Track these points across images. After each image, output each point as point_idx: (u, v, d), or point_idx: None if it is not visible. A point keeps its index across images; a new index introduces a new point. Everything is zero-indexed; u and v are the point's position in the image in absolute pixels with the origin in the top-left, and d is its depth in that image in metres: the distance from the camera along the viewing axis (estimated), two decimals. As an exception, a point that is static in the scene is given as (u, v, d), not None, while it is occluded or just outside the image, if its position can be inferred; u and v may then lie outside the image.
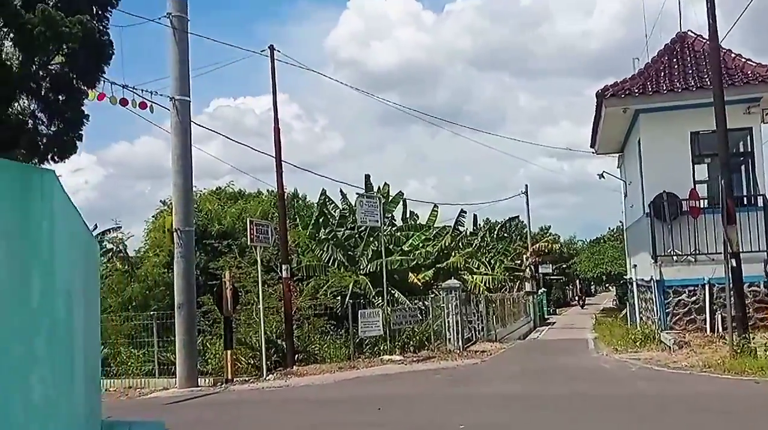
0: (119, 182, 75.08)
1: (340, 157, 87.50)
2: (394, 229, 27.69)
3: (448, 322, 18.98)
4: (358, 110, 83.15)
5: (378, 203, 19.76)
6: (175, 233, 17.63)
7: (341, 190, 28.93)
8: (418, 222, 29.42)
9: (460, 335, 19.11)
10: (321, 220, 27.58)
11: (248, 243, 18.47)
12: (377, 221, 19.59)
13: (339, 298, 22.95)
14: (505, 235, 45.20)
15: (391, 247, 25.62)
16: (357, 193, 19.33)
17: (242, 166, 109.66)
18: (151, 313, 20.58)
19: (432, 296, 21.17)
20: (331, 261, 25.74)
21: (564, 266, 58.34)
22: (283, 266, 18.72)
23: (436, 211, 30.83)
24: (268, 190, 29.06)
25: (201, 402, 14.33)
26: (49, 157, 13.23)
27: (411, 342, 19.13)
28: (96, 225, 30.12)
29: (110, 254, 31.92)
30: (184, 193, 17.76)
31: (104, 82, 15.08)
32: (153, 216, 31.55)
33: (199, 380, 17.53)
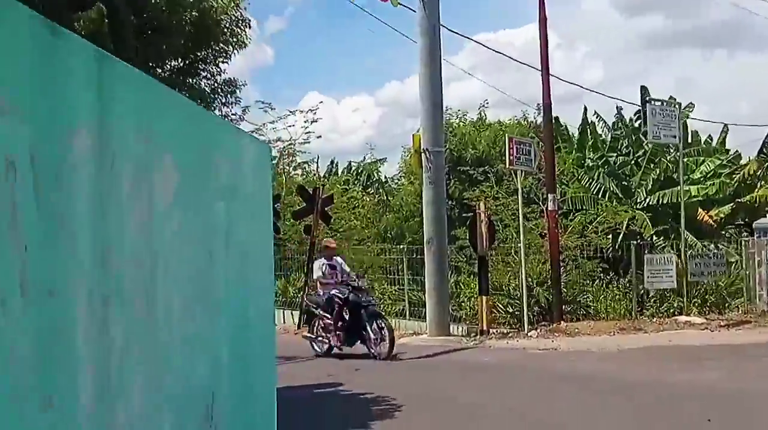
0: (391, 119, 76.19)
1: (601, 87, 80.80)
2: (678, 153, 23.04)
3: (760, 274, 14.71)
4: (620, 36, 75.54)
5: (676, 112, 15.23)
6: (423, 155, 15.11)
7: (617, 107, 24.77)
8: (711, 144, 24.44)
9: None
10: (589, 143, 23.77)
11: (506, 166, 15.34)
12: (674, 136, 15.22)
13: (610, 237, 19.35)
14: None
15: (674, 176, 21.36)
16: (648, 99, 15.14)
17: (503, 101, 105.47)
18: (402, 247, 18.36)
19: (737, 238, 16.86)
20: (601, 192, 22.04)
21: None
22: (550, 196, 15.24)
23: (725, 134, 25.14)
24: (527, 121, 25.56)
25: (451, 360, 11.86)
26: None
27: (710, 299, 15.10)
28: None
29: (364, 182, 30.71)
30: (432, 107, 15.22)
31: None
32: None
33: (451, 326, 15.13)
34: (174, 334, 3.04)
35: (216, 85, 13.51)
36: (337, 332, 12.29)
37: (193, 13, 11.79)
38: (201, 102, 11.26)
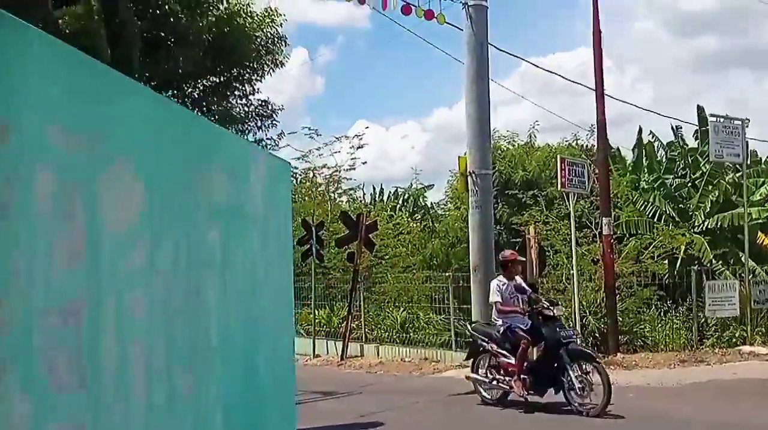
0: (439, 146, 76.23)
1: (647, 114, 78.95)
2: (738, 174, 21.72)
3: None
4: (671, 58, 73.77)
5: (740, 129, 14.14)
6: (469, 177, 14.33)
7: (673, 127, 23.57)
8: None
9: None
10: (644, 165, 22.63)
11: (557, 189, 14.42)
12: (738, 155, 14.13)
13: (667, 262, 18.19)
14: None
15: (733, 198, 20.12)
16: (710, 115, 14.05)
17: (552, 124, 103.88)
18: (447, 274, 17.50)
19: None
20: (656, 215, 20.89)
21: None
22: (604, 220, 14.18)
23: None
24: (578, 143, 24.62)
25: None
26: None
27: None
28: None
29: (411, 209, 29.98)
30: (479, 126, 14.45)
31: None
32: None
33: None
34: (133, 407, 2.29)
35: (250, 107, 12.74)
36: (522, 376, 9.77)
37: (218, 23, 10.99)
38: (231, 125, 10.56)
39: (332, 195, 24.31)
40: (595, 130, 15.15)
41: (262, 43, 12.23)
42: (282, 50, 12.61)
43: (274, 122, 12.49)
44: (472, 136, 14.61)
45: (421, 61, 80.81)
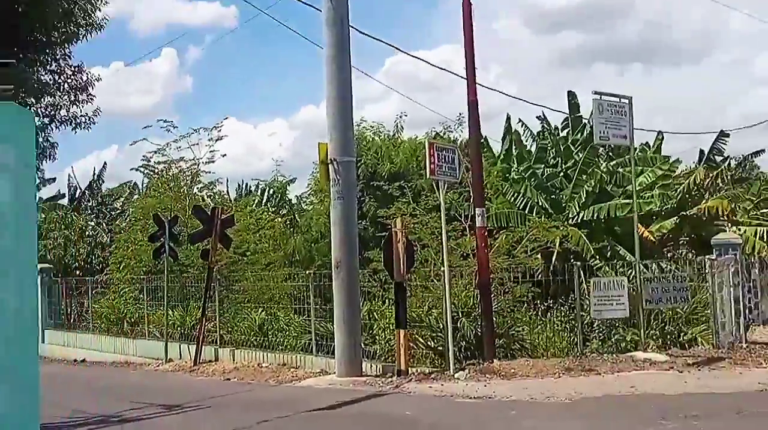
0: (306, 142, 75.42)
1: (514, 108, 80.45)
2: (612, 163, 20.94)
3: (721, 298, 12.54)
4: (533, 55, 75.19)
5: (628, 109, 12.62)
6: (330, 166, 12.70)
7: (542, 114, 22.71)
8: (648, 153, 22.17)
9: (739, 321, 12.58)
10: (514, 152, 21.64)
11: (426, 178, 12.86)
12: (625, 137, 12.70)
13: (539, 256, 17.12)
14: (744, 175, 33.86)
15: (609, 187, 19.35)
16: (594, 92, 12.72)
17: (416, 121, 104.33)
18: (309, 271, 15.81)
19: (693, 259, 14.65)
20: (528, 207, 19.94)
21: None
22: (478, 210, 12.72)
23: (660, 140, 22.98)
24: (447, 136, 23.38)
25: (363, 414, 9.37)
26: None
27: (669, 331, 12.51)
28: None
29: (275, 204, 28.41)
30: (339, 109, 12.85)
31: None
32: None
33: (363, 364, 12.65)
34: None
35: (61, 75, 10.20)
36: None
37: None
38: (36, 97, 8.33)
39: (190, 190, 22.24)
40: (466, 114, 13.70)
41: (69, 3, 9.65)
42: (99, 8, 10.10)
43: (90, 97, 9.78)
44: (334, 119, 13.00)
45: (289, 59, 79.70)
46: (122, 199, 34.08)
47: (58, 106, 9.30)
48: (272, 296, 17.36)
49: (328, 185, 13.28)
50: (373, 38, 16.28)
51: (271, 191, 29.78)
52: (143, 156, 22.78)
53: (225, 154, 22.16)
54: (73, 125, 8.56)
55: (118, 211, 34.71)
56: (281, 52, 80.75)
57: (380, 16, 67.51)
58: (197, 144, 21.67)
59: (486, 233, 13.31)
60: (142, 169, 23.59)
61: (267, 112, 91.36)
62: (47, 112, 8.51)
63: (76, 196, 38.93)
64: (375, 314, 14.49)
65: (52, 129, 8.10)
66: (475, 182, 13.29)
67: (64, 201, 37.51)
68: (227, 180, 27.77)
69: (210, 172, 22.47)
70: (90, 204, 37.53)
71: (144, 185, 24.86)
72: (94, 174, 39.45)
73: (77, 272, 26.36)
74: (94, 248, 27.28)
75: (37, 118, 8.49)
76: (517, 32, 71.78)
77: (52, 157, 7.96)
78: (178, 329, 17.66)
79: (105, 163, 44.00)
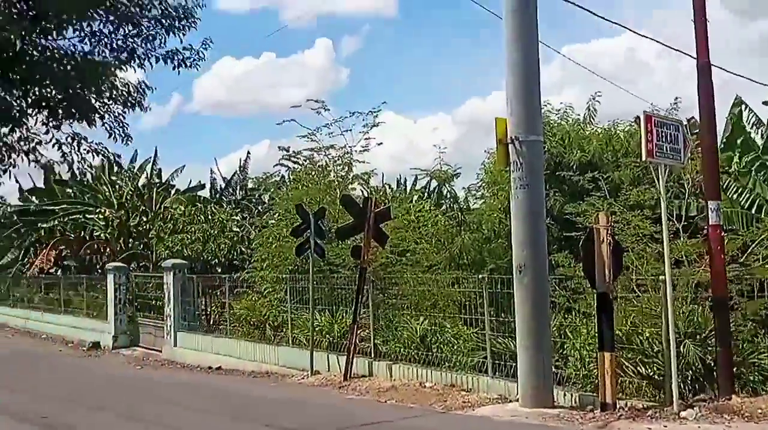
0: (471, 139, 74.58)
1: (723, 93, 75.58)
2: None
3: None
4: (736, 41, 70.25)
5: None
6: (510, 146, 11.32)
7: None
8: None
9: None
10: (738, 141, 19.36)
11: (642, 159, 11.03)
12: None
13: (771, 265, 14.87)
14: None
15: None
16: None
17: (605, 115, 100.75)
18: (482, 276, 14.49)
19: None
20: (756, 206, 17.70)
21: None
22: (711, 204, 10.90)
23: None
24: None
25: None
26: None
27: None
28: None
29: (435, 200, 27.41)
30: (524, 78, 11.49)
31: None
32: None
33: (554, 393, 11.19)
34: None
35: None
36: None
37: None
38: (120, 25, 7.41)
39: (341, 181, 21.67)
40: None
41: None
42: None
43: (191, 23, 8.01)
44: (515, 88, 11.65)
45: (452, 50, 78.89)
46: (270, 192, 34.22)
47: (150, 37, 7.95)
48: (435, 303, 16.20)
49: (508, 172, 11.92)
50: (581, 8, 14.33)
51: (434, 184, 28.80)
52: (282, 148, 22.95)
53: (381, 143, 21.59)
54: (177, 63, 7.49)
55: (264, 205, 34.91)
56: (443, 41, 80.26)
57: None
58: (350, 130, 21.21)
59: (722, 234, 11.41)
60: (284, 161, 23.41)
61: (428, 105, 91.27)
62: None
63: (218, 188, 39.67)
64: (567, 330, 12.93)
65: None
66: (707, 167, 11.44)
67: (205, 192, 38.21)
68: (383, 175, 27.05)
69: (364, 162, 21.84)
70: (234, 197, 38.08)
71: (290, 178, 24.55)
72: (239, 166, 40.07)
73: (217, 269, 26.42)
74: (236, 244, 27.27)
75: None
76: (720, 16, 67.38)
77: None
78: (326, 336, 16.98)
79: (249, 152, 44.67)
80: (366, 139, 21.28)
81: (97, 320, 26.07)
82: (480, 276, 14.59)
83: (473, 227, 20.86)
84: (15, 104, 7.28)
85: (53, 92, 7.18)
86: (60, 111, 7.34)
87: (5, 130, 7.77)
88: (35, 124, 7.40)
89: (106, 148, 8.09)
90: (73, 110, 7.54)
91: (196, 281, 21.72)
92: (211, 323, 21.84)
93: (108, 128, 7.99)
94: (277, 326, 18.82)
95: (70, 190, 38.51)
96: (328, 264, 18.33)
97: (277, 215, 22.91)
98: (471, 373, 13.54)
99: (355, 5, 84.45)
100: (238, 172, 39.97)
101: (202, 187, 38.76)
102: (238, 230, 29.08)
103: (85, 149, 7.95)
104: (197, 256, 26.19)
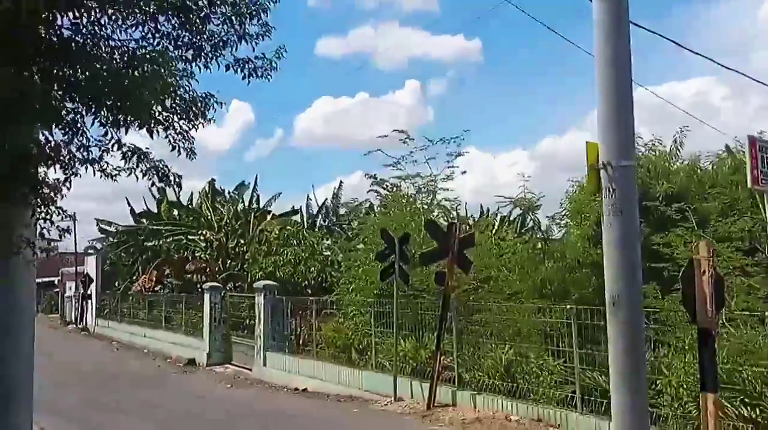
0: (547, 174, 73.90)
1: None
2: None
3: None
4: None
5: None
6: (602, 172, 9.94)
7: None
8: None
9: None
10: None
11: (748, 185, 9.58)
12: None
13: None
14: None
15: None
16: None
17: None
18: (570, 306, 13.14)
19: None
20: None
21: None
22: None
23: None
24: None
25: None
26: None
27: None
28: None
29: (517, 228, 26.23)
30: (615, 101, 9.86)
31: None
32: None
33: (651, 433, 9.73)
34: None
35: None
36: None
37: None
38: (185, 23, 6.49)
39: (426, 208, 20.81)
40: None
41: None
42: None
43: (266, 30, 6.77)
44: (607, 110, 10.07)
45: (532, 88, 78.33)
46: (359, 217, 33.67)
47: (216, 43, 6.92)
48: (519, 331, 14.86)
49: (599, 200, 10.53)
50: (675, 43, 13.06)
51: (517, 212, 27.56)
52: (370, 175, 22.78)
53: (465, 172, 20.78)
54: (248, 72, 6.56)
55: (353, 230, 34.21)
56: (523, 81, 79.50)
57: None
58: (434, 158, 20.65)
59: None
60: (373, 187, 22.98)
61: (506, 142, 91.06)
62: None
63: (311, 214, 39.16)
64: (662, 366, 11.43)
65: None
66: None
67: (298, 218, 37.70)
68: (465, 204, 26.31)
69: (448, 190, 20.97)
70: (325, 223, 37.51)
71: (380, 204, 24.04)
72: (332, 194, 39.59)
73: (307, 291, 25.65)
74: (325, 267, 26.49)
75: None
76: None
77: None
78: (410, 362, 15.82)
79: (341, 181, 44.22)
80: (449, 167, 20.64)
81: (193, 338, 25.57)
82: (568, 306, 13.22)
83: (557, 256, 19.40)
84: (69, 105, 6.46)
85: (106, 90, 6.27)
86: (115, 113, 6.46)
87: (60, 134, 6.87)
88: (91, 129, 6.60)
89: (167, 166, 7.11)
90: (130, 116, 6.62)
91: (285, 302, 20.89)
92: (300, 343, 20.96)
93: (171, 140, 7.03)
94: (362, 349, 17.82)
95: (176, 213, 38.58)
96: (412, 289, 17.32)
97: (364, 239, 22.05)
98: (559, 408, 12.19)
99: (443, 51, 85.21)
100: (331, 199, 39.49)
101: (296, 212, 38.24)
102: (328, 253, 28.41)
103: (145, 166, 6.96)
104: (288, 277, 25.57)
